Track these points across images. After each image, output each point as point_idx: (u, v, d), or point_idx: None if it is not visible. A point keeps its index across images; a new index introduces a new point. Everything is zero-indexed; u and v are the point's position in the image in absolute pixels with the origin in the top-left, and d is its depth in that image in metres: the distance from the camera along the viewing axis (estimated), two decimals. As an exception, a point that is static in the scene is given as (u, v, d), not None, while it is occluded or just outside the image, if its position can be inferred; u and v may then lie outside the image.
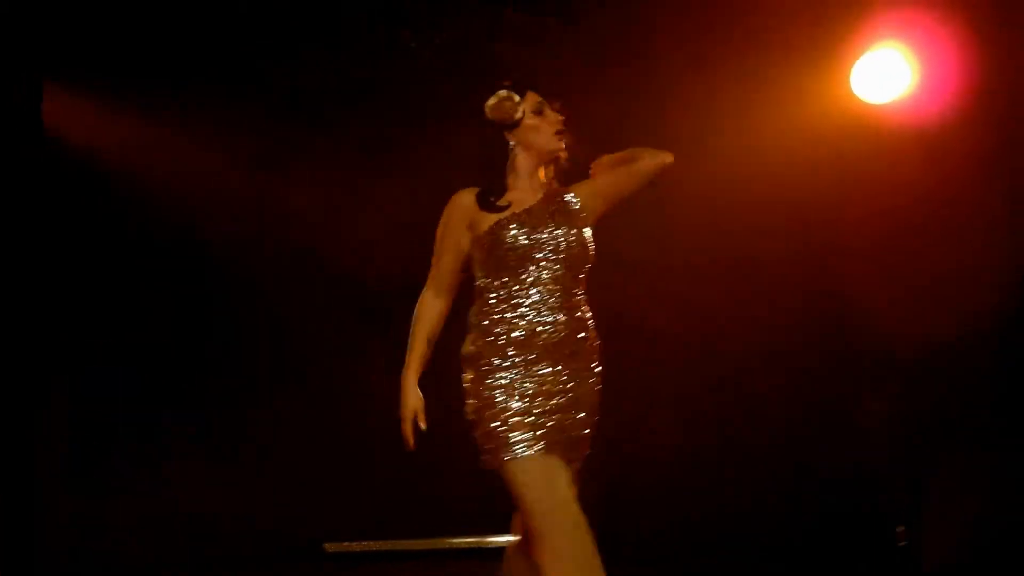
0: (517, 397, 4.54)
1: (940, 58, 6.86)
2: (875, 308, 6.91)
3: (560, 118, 4.72)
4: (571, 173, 4.76)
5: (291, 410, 7.29)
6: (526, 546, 4.51)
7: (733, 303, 7.17)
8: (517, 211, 4.63)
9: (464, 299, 4.69)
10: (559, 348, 4.57)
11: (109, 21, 6.98)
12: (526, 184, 4.71)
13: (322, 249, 7.32)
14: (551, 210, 4.65)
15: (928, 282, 6.83)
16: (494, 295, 4.62)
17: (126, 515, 7.10)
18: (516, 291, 4.59)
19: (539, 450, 4.49)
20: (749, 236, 7.08)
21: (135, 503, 7.10)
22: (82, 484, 7.13)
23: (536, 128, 4.69)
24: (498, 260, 4.60)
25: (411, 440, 4.59)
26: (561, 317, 4.57)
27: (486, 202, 4.65)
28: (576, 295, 4.64)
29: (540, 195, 4.70)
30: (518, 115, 4.67)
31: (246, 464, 7.17)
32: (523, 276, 4.58)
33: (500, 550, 4.66)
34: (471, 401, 4.60)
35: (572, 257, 4.61)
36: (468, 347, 4.64)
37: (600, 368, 4.66)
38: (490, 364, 4.59)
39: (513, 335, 4.57)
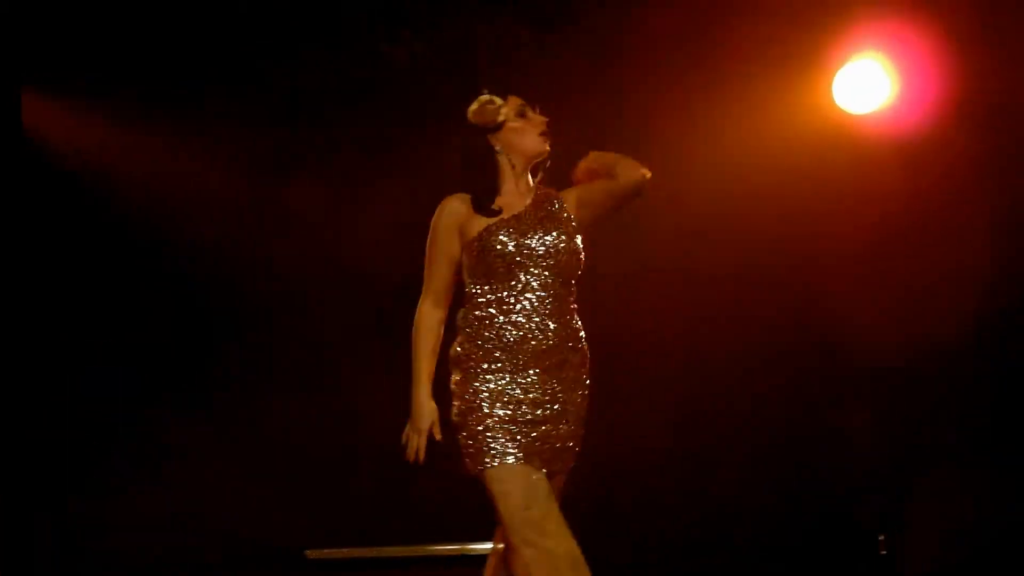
0: (501, 404, 4.53)
1: (920, 68, 6.89)
2: (856, 317, 6.89)
3: (544, 119, 4.70)
4: (554, 175, 4.76)
5: (273, 415, 7.26)
6: (509, 554, 4.48)
7: (714, 312, 7.14)
8: (506, 217, 4.60)
9: (456, 301, 4.68)
10: (547, 356, 4.55)
11: (100, 23, 7.00)
12: (513, 188, 4.68)
13: (320, 251, 7.30)
14: (540, 216, 4.62)
15: (909, 292, 6.85)
16: (483, 300, 4.59)
17: (126, 515, 7.07)
18: (505, 298, 4.56)
19: (520, 459, 4.48)
20: (730, 246, 7.05)
21: (134, 503, 7.07)
22: (82, 484, 7.12)
23: (520, 130, 4.67)
24: (487, 267, 4.58)
25: (423, 453, 4.57)
26: (551, 325, 4.55)
27: (480, 206, 4.63)
28: (567, 303, 4.62)
29: (529, 200, 4.67)
30: (500, 118, 4.65)
31: (225, 470, 7.14)
32: (512, 283, 4.55)
33: (483, 558, 4.58)
34: (456, 403, 4.59)
35: (561, 264, 4.58)
36: (456, 349, 4.63)
37: (588, 380, 4.64)
38: (477, 368, 4.57)
39: (501, 341, 4.55)
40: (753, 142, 6.97)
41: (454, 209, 4.65)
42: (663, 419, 7.04)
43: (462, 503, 5.14)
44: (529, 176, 4.72)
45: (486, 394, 4.55)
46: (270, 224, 7.32)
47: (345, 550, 6.12)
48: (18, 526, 7.04)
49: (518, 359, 4.55)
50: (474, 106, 4.69)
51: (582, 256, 4.66)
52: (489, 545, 4.65)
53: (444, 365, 4.63)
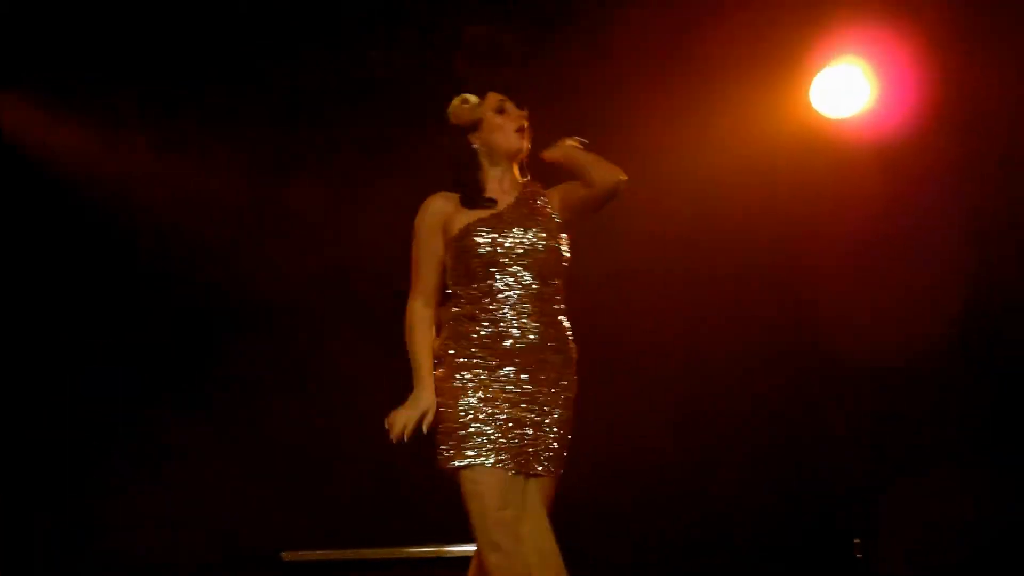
0: (478, 401, 4.51)
1: (899, 73, 6.88)
2: (836, 321, 6.87)
3: (522, 114, 4.67)
4: (545, 174, 4.74)
5: (273, 415, 7.28)
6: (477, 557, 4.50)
7: (693, 317, 7.14)
8: (485, 215, 4.59)
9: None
10: (526, 356, 4.53)
11: (100, 23, 7.04)
12: (497, 186, 4.68)
13: (320, 251, 7.31)
14: (521, 213, 4.61)
15: (888, 297, 6.84)
16: (463, 299, 4.59)
17: (126, 515, 7.11)
18: (483, 297, 4.56)
19: (494, 461, 4.46)
20: (709, 250, 7.05)
21: (134, 503, 7.10)
22: (82, 484, 7.16)
23: (498, 127, 4.67)
24: (465, 266, 4.57)
25: (409, 433, 4.50)
26: (531, 324, 4.53)
27: (469, 201, 4.63)
28: (550, 304, 4.59)
29: (512, 197, 4.65)
30: (476, 116, 4.66)
31: (225, 470, 7.16)
32: (489, 282, 4.54)
33: (460, 559, 4.65)
34: (437, 399, 4.57)
35: (540, 263, 4.56)
36: (438, 345, 4.62)
37: (570, 382, 4.61)
38: (457, 364, 4.56)
39: (479, 340, 4.54)
40: (732, 147, 6.97)
41: (438, 208, 4.66)
42: (638, 422, 7.03)
43: (439, 505, 5.13)
44: (516, 173, 4.71)
45: (464, 391, 4.54)
46: (270, 224, 7.33)
47: (320, 552, 6.09)
48: (18, 526, 7.09)
49: (495, 359, 4.54)
50: (452, 105, 4.71)
51: (564, 254, 4.64)
52: (466, 547, 4.75)
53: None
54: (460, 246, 4.57)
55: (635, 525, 7.11)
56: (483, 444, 4.49)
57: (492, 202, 4.62)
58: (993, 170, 6.85)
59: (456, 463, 4.49)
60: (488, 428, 4.50)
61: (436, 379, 4.58)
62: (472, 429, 4.50)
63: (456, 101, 4.71)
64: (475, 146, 4.70)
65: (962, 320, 6.81)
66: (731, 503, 7.12)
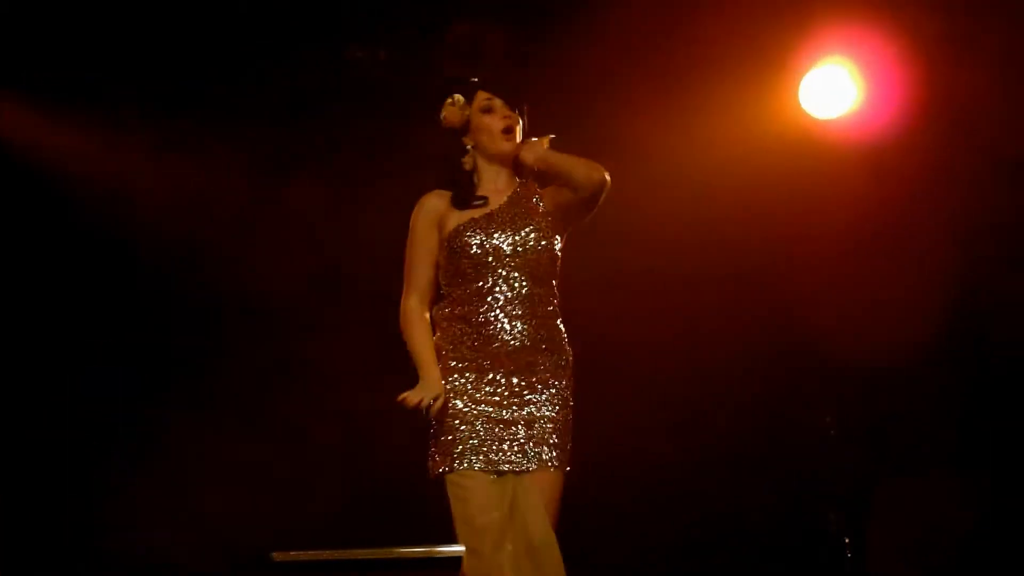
0: (464, 405, 4.51)
1: (886, 73, 6.92)
2: (823, 323, 6.88)
3: (509, 113, 4.63)
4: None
5: (273, 415, 7.26)
6: None
7: (678, 319, 7.14)
8: (477, 216, 4.57)
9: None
10: (516, 358, 4.51)
11: (99, 24, 7.01)
12: (492, 186, 4.66)
13: (320, 251, 7.30)
14: (513, 214, 4.58)
15: (875, 296, 6.86)
16: (454, 299, 4.58)
17: (126, 515, 7.06)
18: (473, 297, 4.54)
19: (480, 465, 4.47)
20: (696, 251, 7.05)
21: (134, 503, 7.05)
22: (82, 484, 7.12)
23: (485, 129, 4.64)
24: (456, 267, 4.56)
25: (411, 404, 4.47)
26: (519, 326, 4.51)
27: (460, 200, 4.62)
28: (541, 305, 4.57)
29: (506, 197, 4.63)
30: (466, 117, 4.64)
31: (225, 470, 7.11)
32: (479, 283, 4.53)
33: (451, 560, 4.66)
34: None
35: (531, 264, 4.54)
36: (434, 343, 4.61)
37: (563, 383, 4.59)
38: (448, 368, 4.55)
39: (469, 340, 4.53)
40: (720, 147, 6.97)
41: (433, 205, 4.65)
42: (623, 425, 7.01)
43: (429, 505, 5.14)
44: (512, 172, 4.69)
45: (452, 394, 4.53)
46: (270, 224, 7.30)
47: (311, 553, 6.08)
48: (18, 526, 7.04)
49: (484, 360, 4.53)
50: (443, 108, 4.70)
51: (556, 255, 4.61)
52: (457, 548, 4.57)
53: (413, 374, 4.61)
54: (451, 246, 4.56)
55: (633, 525, 7.13)
56: (468, 449, 4.50)
57: (483, 200, 4.61)
58: (980, 169, 6.86)
59: (442, 468, 4.53)
60: (474, 432, 4.51)
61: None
62: (458, 434, 4.52)
63: (447, 103, 4.69)
64: (468, 146, 4.68)
65: (950, 319, 6.83)
66: (729, 503, 7.14)
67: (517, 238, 4.56)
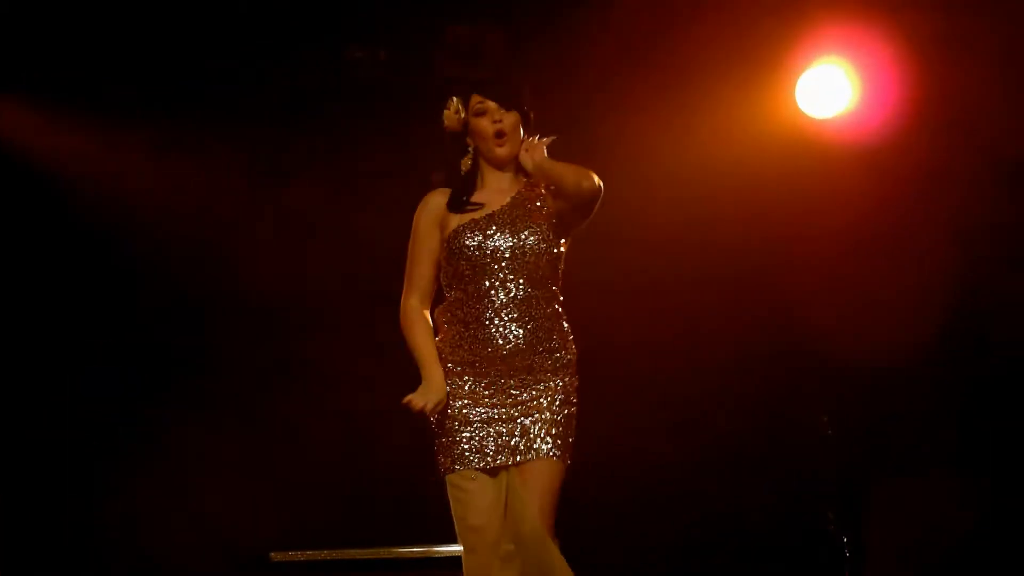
0: (463, 407, 4.51)
1: (882, 73, 6.90)
2: (822, 323, 6.86)
3: (499, 118, 4.59)
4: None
5: (274, 415, 7.28)
6: None
7: (678, 319, 7.13)
8: (478, 217, 4.55)
9: (438, 298, 4.68)
10: (511, 360, 4.50)
11: (99, 25, 7.02)
12: (495, 187, 4.63)
13: (320, 251, 7.29)
14: (514, 215, 4.56)
15: (875, 298, 6.85)
16: (453, 300, 4.57)
17: (126, 515, 7.09)
18: (471, 299, 4.52)
19: (479, 465, 4.47)
20: (694, 251, 7.05)
21: (134, 503, 7.08)
22: (82, 484, 7.13)
23: (479, 132, 4.61)
24: (455, 268, 4.55)
25: (415, 408, 4.48)
26: (516, 329, 4.49)
27: (454, 203, 4.59)
28: (541, 307, 4.54)
29: (508, 198, 4.60)
30: (464, 120, 4.61)
31: (224, 470, 7.12)
32: (477, 285, 4.51)
33: (449, 559, 4.67)
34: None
35: (529, 266, 4.52)
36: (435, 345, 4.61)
37: (569, 379, 4.58)
38: (447, 370, 4.55)
39: (468, 344, 4.52)
40: (716, 147, 6.96)
41: (436, 204, 4.63)
42: (619, 425, 6.95)
43: (427, 505, 5.16)
44: (515, 172, 4.66)
45: (452, 396, 4.53)
46: (270, 224, 7.31)
47: (308, 553, 6.07)
48: (18, 526, 7.07)
49: (483, 363, 4.52)
50: (444, 112, 4.67)
51: (556, 257, 4.59)
52: (454, 547, 4.69)
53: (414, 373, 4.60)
54: (450, 247, 4.55)
55: (633, 525, 7.12)
56: (467, 451, 4.50)
57: (477, 206, 4.58)
58: (977, 169, 6.85)
59: (443, 469, 4.54)
60: (474, 434, 4.51)
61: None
62: (458, 436, 4.52)
63: (447, 105, 4.67)
64: (471, 148, 4.66)
65: (949, 319, 6.82)
66: (729, 503, 7.13)
67: (516, 240, 4.53)
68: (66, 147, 7.23)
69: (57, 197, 7.23)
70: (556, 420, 4.52)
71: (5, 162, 7.17)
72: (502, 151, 4.60)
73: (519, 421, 4.50)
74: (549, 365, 4.55)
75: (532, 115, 4.70)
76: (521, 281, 4.53)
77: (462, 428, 4.52)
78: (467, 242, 4.52)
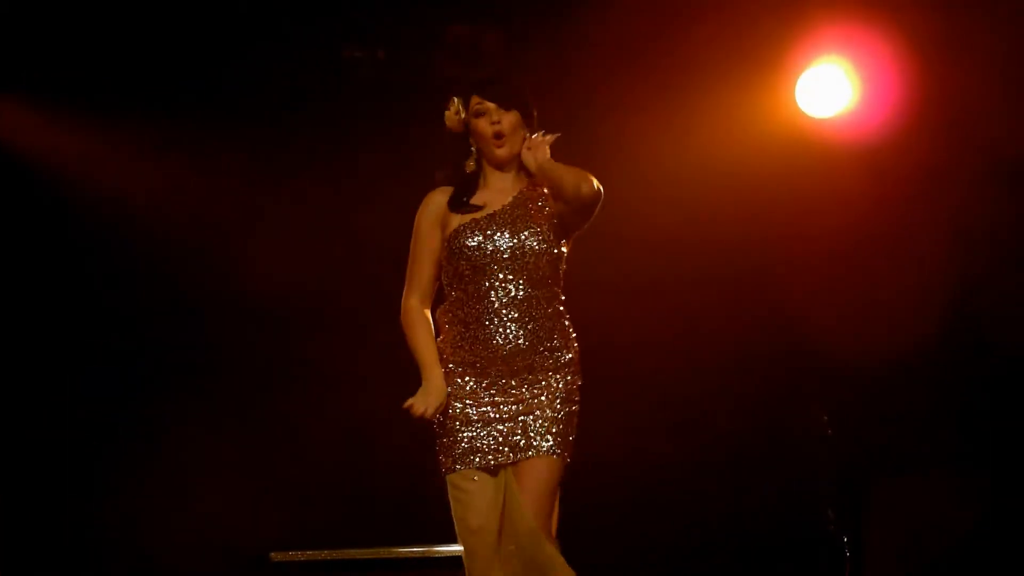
0: (464, 405, 4.51)
1: (882, 72, 6.90)
2: (822, 323, 6.87)
3: (497, 119, 4.57)
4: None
5: (274, 416, 7.29)
6: None
7: (678, 319, 7.14)
8: (479, 216, 4.54)
9: (438, 298, 4.67)
10: (511, 361, 4.49)
11: (98, 25, 7.02)
12: (496, 187, 4.61)
13: (320, 251, 7.29)
14: (515, 216, 4.54)
15: (874, 298, 6.85)
16: (454, 300, 4.56)
17: (126, 515, 7.10)
18: (471, 299, 4.51)
19: (478, 465, 4.47)
20: (694, 251, 7.05)
21: (134, 503, 7.09)
22: (82, 484, 7.14)
23: (478, 134, 4.60)
24: (455, 268, 4.54)
25: (416, 413, 4.47)
26: (516, 329, 4.48)
27: (456, 202, 4.58)
28: (542, 308, 4.53)
29: (510, 198, 4.59)
30: (464, 120, 4.61)
31: (224, 470, 7.12)
32: (477, 285, 4.50)
33: (450, 559, 4.66)
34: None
35: (529, 266, 4.50)
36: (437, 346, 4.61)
37: (571, 377, 4.57)
38: (448, 371, 4.54)
39: (468, 345, 4.51)
40: (715, 146, 6.96)
41: (438, 203, 4.62)
42: (616, 426, 6.91)
43: (427, 505, 5.18)
44: (517, 172, 4.65)
45: (453, 396, 4.54)
46: (270, 224, 7.30)
47: (308, 553, 6.07)
48: (18, 526, 7.08)
49: (483, 363, 4.51)
50: (446, 114, 4.66)
51: (557, 257, 4.58)
52: (455, 547, 4.70)
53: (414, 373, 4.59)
54: (451, 247, 4.54)
55: (633, 525, 7.12)
56: (468, 451, 4.50)
57: (478, 208, 4.57)
58: (977, 169, 6.85)
59: (444, 469, 4.54)
60: (474, 434, 4.51)
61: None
62: (458, 436, 4.52)
63: (448, 106, 4.66)
64: (473, 148, 4.66)
65: (949, 319, 6.82)
66: (729, 503, 7.15)
67: (516, 240, 4.52)
68: (66, 147, 7.23)
69: (57, 197, 7.23)
70: (557, 418, 4.52)
71: (5, 162, 7.17)
72: (501, 152, 4.59)
73: (520, 419, 4.49)
74: (550, 364, 4.54)
75: (536, 113, 4.69)
76: (521, 281, 4.52)
77: (463, 428, 4.51)
78: (467, 242, 4.51)
